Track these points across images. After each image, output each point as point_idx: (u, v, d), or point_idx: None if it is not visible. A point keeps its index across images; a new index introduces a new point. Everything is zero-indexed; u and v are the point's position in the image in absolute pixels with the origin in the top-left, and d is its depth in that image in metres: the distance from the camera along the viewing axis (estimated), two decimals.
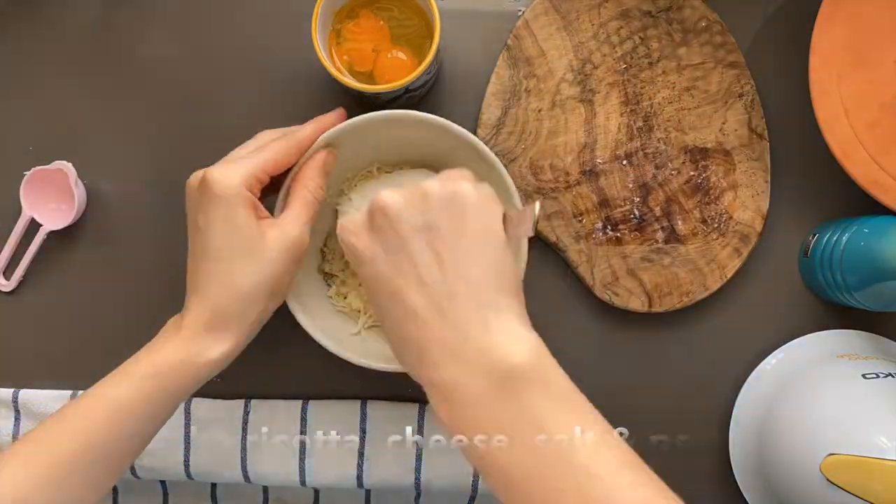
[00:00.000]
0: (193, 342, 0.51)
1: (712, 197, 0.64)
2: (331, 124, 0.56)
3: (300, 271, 0.59)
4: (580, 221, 0.64)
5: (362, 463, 0.63)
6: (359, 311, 0.61)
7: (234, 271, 0.51)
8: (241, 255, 0.51)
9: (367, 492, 0.68)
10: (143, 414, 0.50)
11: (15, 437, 0.65)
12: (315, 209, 0.54)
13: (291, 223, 0.53)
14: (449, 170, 0.49)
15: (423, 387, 0.45)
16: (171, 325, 0.53)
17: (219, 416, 0.64)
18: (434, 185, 0.46)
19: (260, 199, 0.53)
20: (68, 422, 0.49)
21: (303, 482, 0.64)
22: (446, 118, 0.65)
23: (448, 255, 0.44)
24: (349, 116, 0.65)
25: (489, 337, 0.43)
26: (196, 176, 0.52)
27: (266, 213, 0.54)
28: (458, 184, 0.46)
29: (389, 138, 0.58)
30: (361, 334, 0.61)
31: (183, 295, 0.66)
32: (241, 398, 0.65)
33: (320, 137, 0.56)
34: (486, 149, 0.56)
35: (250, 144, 0.55)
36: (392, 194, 0.46)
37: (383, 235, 0.46)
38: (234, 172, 0.51)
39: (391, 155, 0.60)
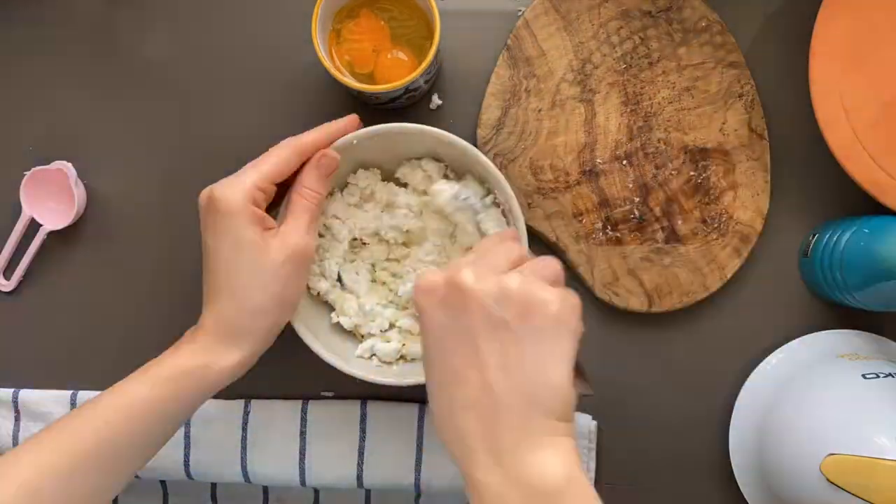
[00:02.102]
0: (208, 351, 0.52)
1: (712, 197, 0.64)
2: (340, 131, 0.56)
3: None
4: (580, 221, 0.64)
5: (362, 463, 0.63)
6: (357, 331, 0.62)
7: (242, 286, 0.52)
8: (247, 270, 0.52)
9: (367, 492, 0.68)
10: (161, 415, 0.51)
11: (15, 437, 0.65)
12: (315, 213, 0.55)
13: (292, 232, 0.53)
14: (539, 260, 0.48)
15: (463, 477, 0.45)
16: (190, 333, 0.54)
17: (219, 416, 0.64)
18: (519, 282, 0.45)
19: (268, 208, 0.54)
20: (89, 417, 0.50)
21: (303, 482, 0.64)
22: (446, 118, 0.65)
23: (515, 360, 0.44)
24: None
25: (533, 455, 0.43)
26: (204, 194, 0.53)
27: (273, 223, 0.54)
28: (544, 290, 0.45)
29: (394, 144, 0.58)
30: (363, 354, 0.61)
31: (182, 294, 0.66)
32: (241, 398, 0.65)
33: (335, 143, 0.56)
34: (498, 173, 0.56)
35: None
36: (473, 275, 0.45)
37: (456, 314, 0.45)
38: (236, 188, 0.52)
39: (390, 158, 0.61)
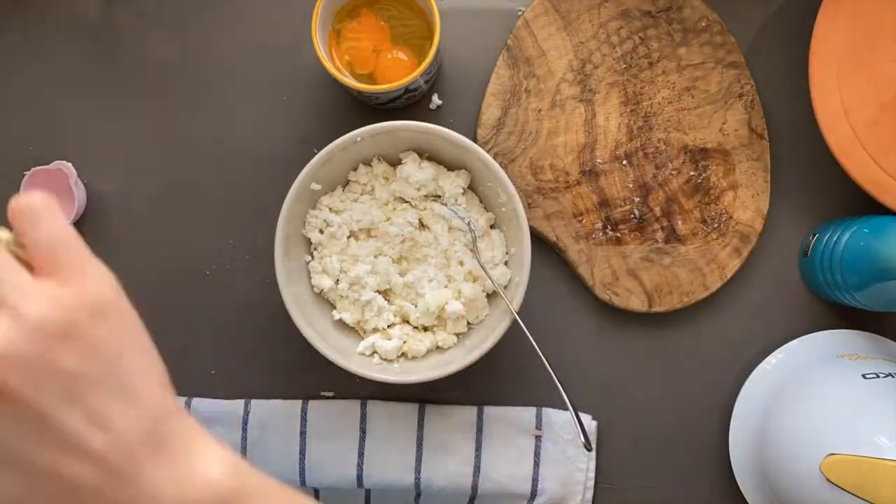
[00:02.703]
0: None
1: (712, 197, 0.64)
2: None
3: (303, 291, 0.59)
4: (580, 221, 0.64)
5: (362, 463, 0.63)
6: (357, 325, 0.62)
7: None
8: None
9: (367, 492, 0.68)
10: None
11: None
12: None
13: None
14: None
15: None
16: None
17: (219, 416, 0.64)
18: (54, 315, 0.31)
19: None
20: None
21: (303, 482, 0.64)
22: (446, 118, 0.65)
23: (104, 406, 0.32)
24: (349, 119, 0.66)
25: (187, 474, 0.33)
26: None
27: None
28: (82, 299, 0.33)
29: (396, 142, 0.59)
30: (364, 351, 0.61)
31: (183, 294, 0.66)
32: (241, 398, 0.65)
33: (331, 146, 0.56)
34: (496, 166, 0.57)
35: None
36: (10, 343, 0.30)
37: (13, 407, 0.31)
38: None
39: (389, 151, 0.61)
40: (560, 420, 0.64)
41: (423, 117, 0.65)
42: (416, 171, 0.59)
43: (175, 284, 0.66)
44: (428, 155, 0.61)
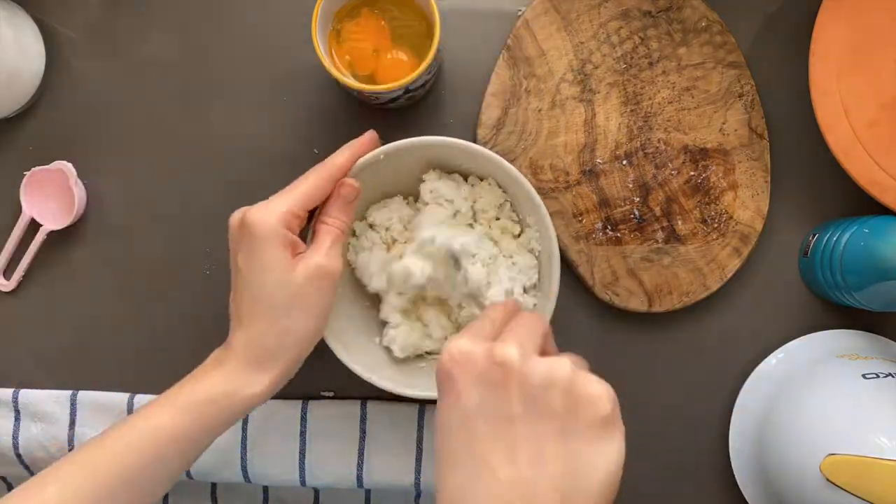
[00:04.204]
0: (235, 377, 0.52)
1: (712, 197, 0.64)
2: (364, 149, 0.57)
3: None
4: (580, 221, 0.64)
5: (362, 463, 0.63)
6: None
7: (269, 307, 0.52)
8: (273, 291, 0.52)
9: (367, 492, 0.68)
10: (182, 441, 0.51)
11: (15, 436, 0.65)
12: (338, 237, 0.55)
13: (314, 253, 0.53)
14: (568, 354, 0.45)
15: None
16: (215, 356, 0.54)
17: None
18: (570, 370, 0.41)
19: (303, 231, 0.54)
20: (111, 446, 0.50)
21: (303, 482, 0.64)
22: (446, 118, 0.65)
23: (554, 456, 0.40)
24: (349, 119, 0.66)
25: None
26: (236, 216, 0.53)
27: (304, 247, 0.55)
28: (597, 384, 0.41)
29: (416, 159, 0.59)
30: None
31: (183, 294, 0.66)
32: None
33: (355, 166, 0.56)
34: (525, 180, 0.57)
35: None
36: (519, 352, 0.41)
37: (494, 394, 0.41)
38: (270, 212, 0.52)
39: (412, 173, 0.61)
40: None
41: (423, 117, 0.65)
42: (441, 185, 0.59)
43: (175, 284, 0.66)
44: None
